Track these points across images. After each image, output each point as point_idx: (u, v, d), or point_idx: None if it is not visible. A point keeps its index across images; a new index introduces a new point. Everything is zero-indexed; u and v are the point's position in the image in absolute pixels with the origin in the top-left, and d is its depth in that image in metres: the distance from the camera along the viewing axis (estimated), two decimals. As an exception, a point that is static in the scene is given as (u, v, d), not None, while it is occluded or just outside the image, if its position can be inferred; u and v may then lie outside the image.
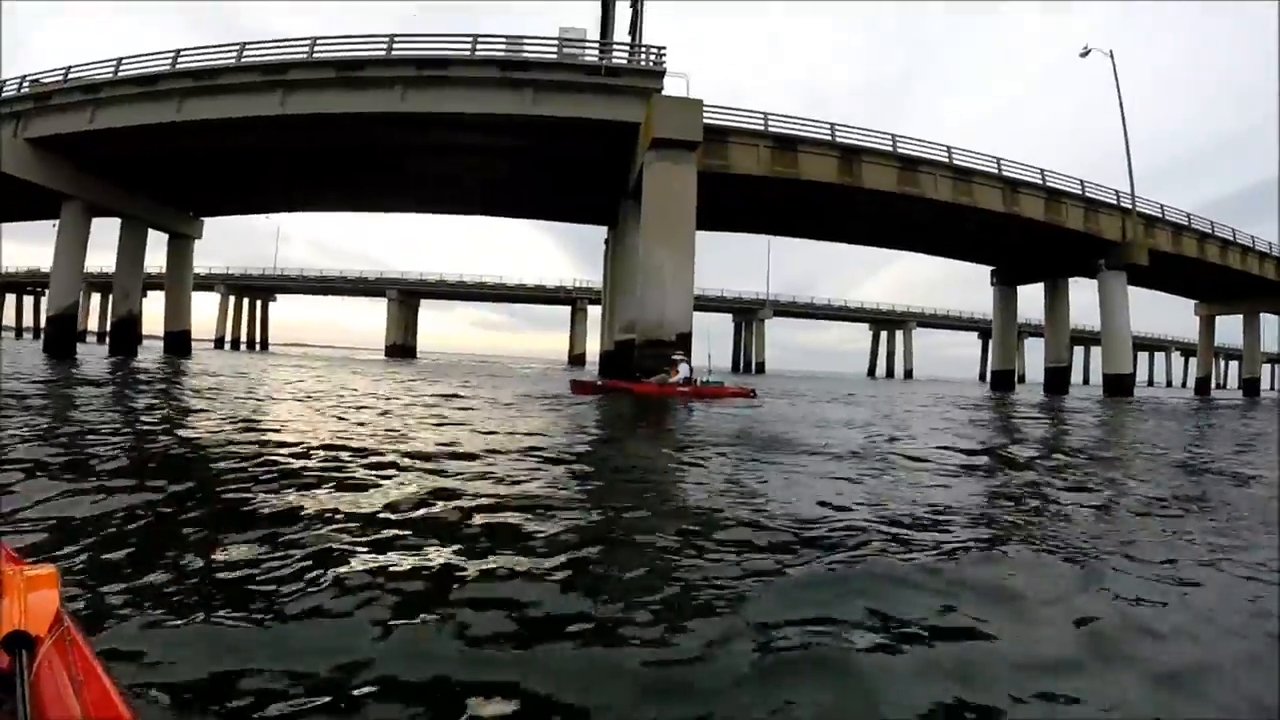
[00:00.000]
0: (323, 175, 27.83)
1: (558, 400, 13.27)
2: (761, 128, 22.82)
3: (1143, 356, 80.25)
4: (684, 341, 19.86)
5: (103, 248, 27.61)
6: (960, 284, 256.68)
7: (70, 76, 23.30)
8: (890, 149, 24.74)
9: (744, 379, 29.70)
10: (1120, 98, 31.44)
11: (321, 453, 5.27)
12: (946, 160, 25.87)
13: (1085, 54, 32.31)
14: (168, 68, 22.13)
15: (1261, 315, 44.15)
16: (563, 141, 22.35)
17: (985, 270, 38.39)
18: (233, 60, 21.59)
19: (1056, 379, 34.98)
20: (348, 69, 21.06)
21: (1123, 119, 31.45)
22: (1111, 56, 31.58)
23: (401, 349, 64.01)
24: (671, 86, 20.66)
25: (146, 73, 22.41)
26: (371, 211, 36.21)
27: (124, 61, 22.70)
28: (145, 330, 32.14)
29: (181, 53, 22.11)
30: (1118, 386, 31.12)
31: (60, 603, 1.26)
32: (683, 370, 17.09)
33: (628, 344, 22.32)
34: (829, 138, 23.71)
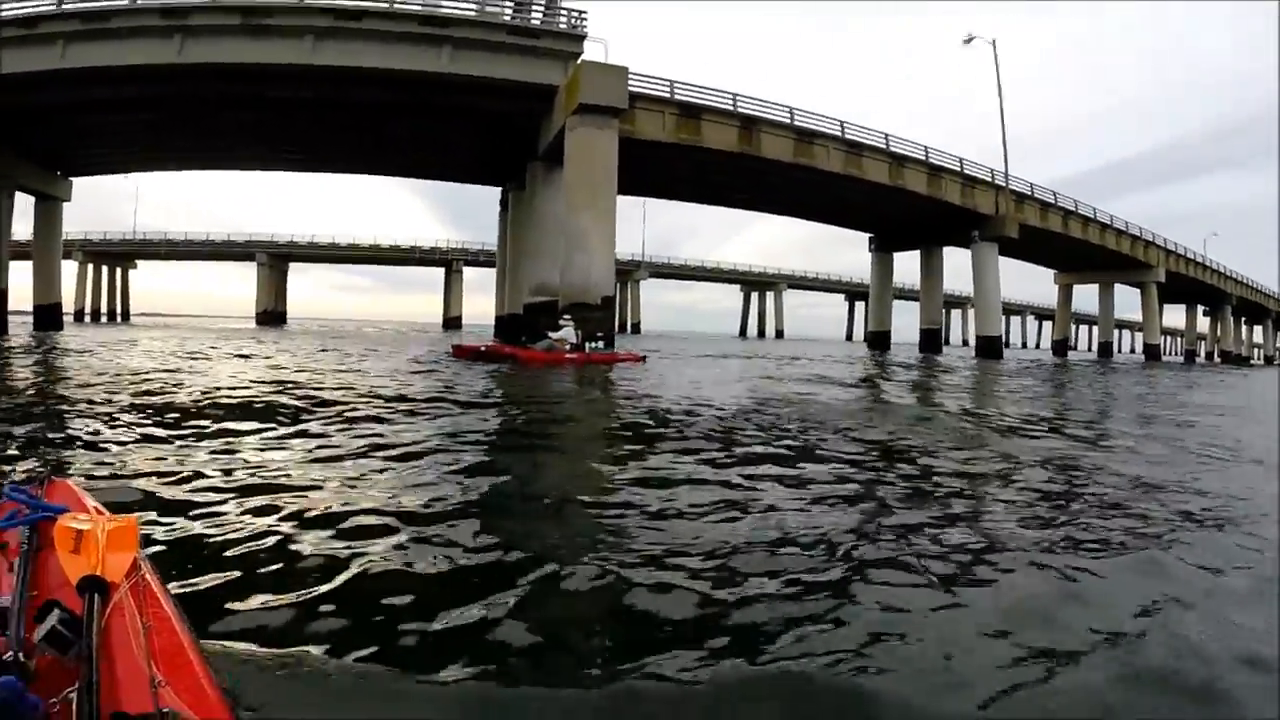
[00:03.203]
0: (205, 129, 26.14)
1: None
2: (668, 95, 23.59)
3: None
4: (608, 304, 20.70)
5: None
6: (824, 247, 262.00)
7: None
8: (788, 121, 26.17)
9: (622, 340, 29.78)
10: (999, 84, 34.08)
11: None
12: (840, 134, 27.65)
13: (968, 41, 34.41)
14: (52, 7, 20.86)
15: (1116, 285, 48.44)
16: (473, 100, 22.44)
17: (845, 234, 41.00)
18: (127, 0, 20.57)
19: (930, 340, 38.02)
20: (255, 15, 20.47)
21: (1000, 104, 34.17)
22: (994, 46, 33.97)
23: (273, 315, 61.81)
24: (590, 51, 21.31)
25: (26, 13, 20.97)
26: (252, 169, 34.99)
27: (1, 2, 21.17)
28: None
29: (68, -9, 20.84)
30: (989, 348, 34.38)
31: (139, 552, 1.34)
32: (566, 333, 17.13)
33: (539, 307, 22.63)
34: (731, 107, 24.85)
